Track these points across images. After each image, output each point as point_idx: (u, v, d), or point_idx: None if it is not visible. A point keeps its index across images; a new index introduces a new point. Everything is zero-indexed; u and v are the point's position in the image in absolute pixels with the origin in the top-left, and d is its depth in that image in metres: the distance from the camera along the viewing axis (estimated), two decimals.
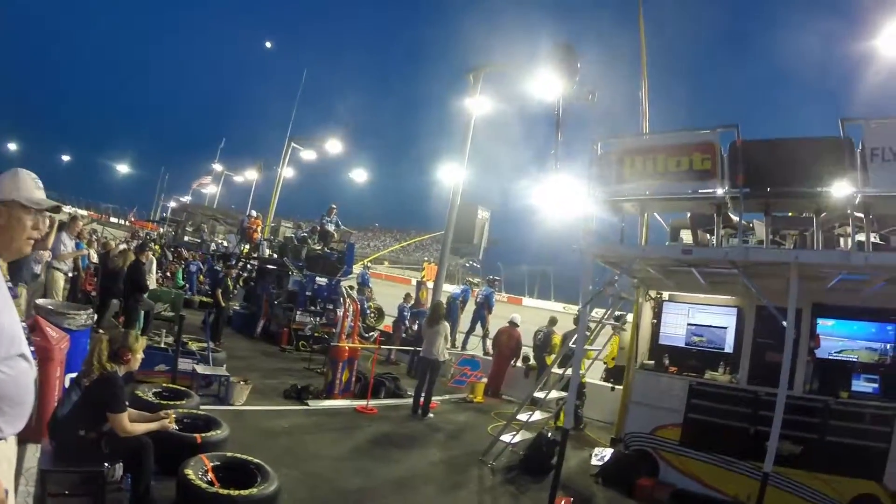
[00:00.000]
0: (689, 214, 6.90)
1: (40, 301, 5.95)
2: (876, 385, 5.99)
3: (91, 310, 6.10)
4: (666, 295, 7.68)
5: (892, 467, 5.58)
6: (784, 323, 4.90)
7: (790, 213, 5.98)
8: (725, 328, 7.04)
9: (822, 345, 6.13)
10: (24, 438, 4.30)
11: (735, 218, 5.80)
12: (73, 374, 4.21)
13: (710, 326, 7.17)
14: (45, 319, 4.98)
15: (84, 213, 59.61)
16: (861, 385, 6.03)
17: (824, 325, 6.27)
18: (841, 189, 4.84)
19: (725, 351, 6.98)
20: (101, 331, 9.90)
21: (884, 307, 6.02)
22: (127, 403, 3.99)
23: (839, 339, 6.22)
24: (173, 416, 4.58)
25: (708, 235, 6.94)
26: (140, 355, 4.16)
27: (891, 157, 4.61)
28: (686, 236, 7.62)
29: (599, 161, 6.41)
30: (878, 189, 4.80)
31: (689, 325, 7.37)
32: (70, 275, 9.47)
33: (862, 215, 4.89)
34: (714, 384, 6.60)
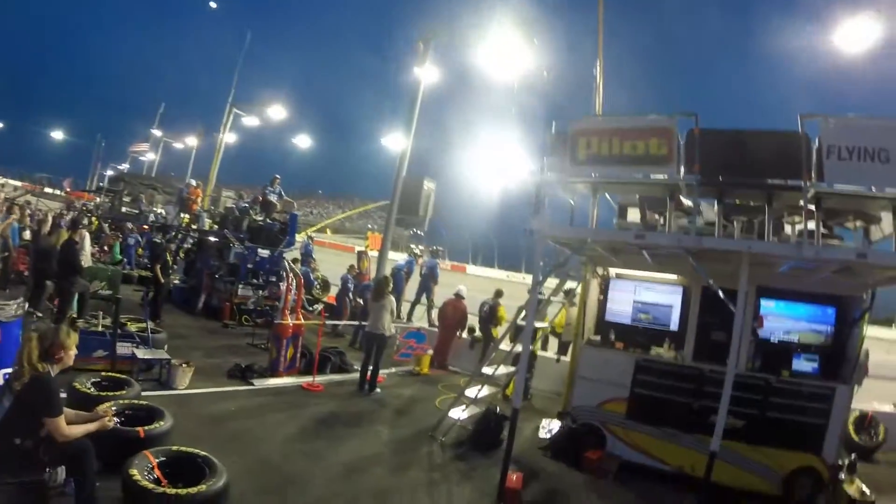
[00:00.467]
0: (638, 195, 7.00)
1: None
2: (815, 365, 6.34)
3: (21, 298, 5.67)
4: (613, 272, 7.82)
5: (829, 442, 5.98)
6: (731, 306, 5.05)
7: (737, 202, 6.12)
8: (671, 306, 7.25)
9: (765, 325, 6.43)
10: None
11: (686, 202, 5.91)
12: (6, 370, 3.88)
13: (657, 304, 7.37)
14: None
15: (17, 183, 55.59)
16: (801, 364, 6.36)
17: (767, 306, 6.56)
18: (794, 183, 4.97)
19: (671, 329, 7.19)
20: (38, 314, 9.32)
21: (825, 292, 6.35)
22: (62, 406, 3.70)
23: (784, 319, 6.54)
24: (112, 413, 4.36)
25: (656, 216, 7.08)
26: (73, 351, 3.87)
27: (846, 156, 4.75)
28: (632, 214, 7.76)
29: (553, 140, 6.36)
30: (831, 185, 4.96)
31: (635, 302, 7.55)
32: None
33: (813, 208, 5.05)
34: (660, 360, 6.81)
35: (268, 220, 14.91)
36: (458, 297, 11.99)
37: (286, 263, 10.45)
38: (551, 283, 7.54)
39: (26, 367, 3.58)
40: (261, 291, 13.48)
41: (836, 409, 6.00)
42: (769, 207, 5.49)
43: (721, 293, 5.26)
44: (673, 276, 7.27)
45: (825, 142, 4.98)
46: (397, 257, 15.88)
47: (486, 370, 7.76)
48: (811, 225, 5.14)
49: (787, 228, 6.43)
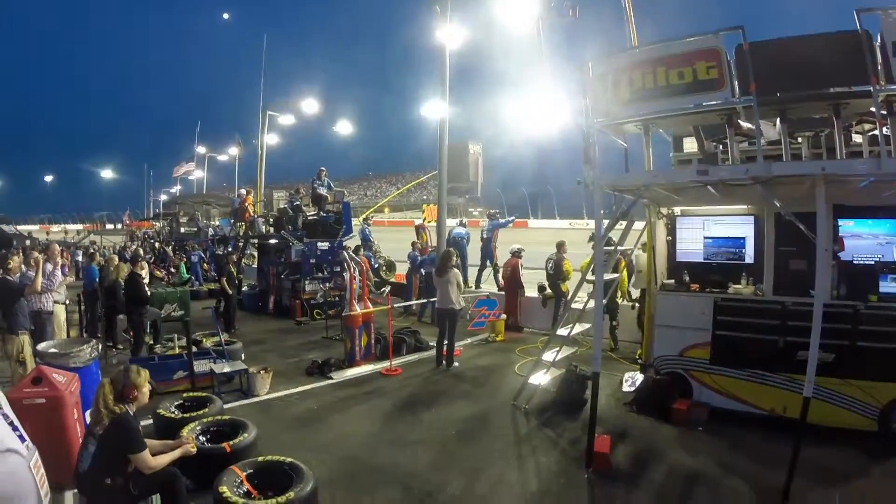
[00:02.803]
0: (692, 126, 6.49)
1: (41, 346, 5.80)
2: None
3: (94, 341, 5.94)
4: (678, 210, 7.37)
5: None
6: (810, 234, 4.60)
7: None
8: (744, 238, 6.76)
9: (846, 247, 5.88)
10: (57, 486, 4.26)
11: (745, 125, 5.41)
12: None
13: (729, 238, 6.90)
14: (48, 366, 4.85)
15: (79, 227, 59.41)
16: (889, 286, 5.78)
17: (845, 226, 5.98)
18: (862, 88, 4.42)
19: (746, 262, 6.73)
20: (118, 347, 9.87)
21: None
22: (144, 440, 3.83)
23: (866, 238, 5.95)
24: (193, 439, 4.54)
25: (714, 144, 6.57)
26: (147, 388, 3.99)
27: None
28: (689, 144, 7.24)
29: (594, 83, 5.94)
30: None
31: (705, 238, 7.10)
32: (66, 303, 9.31)
33: (885, 113, 4.48)
34: (739, 298, 6.39)
35: (321, 213, 15.10)
36: (514, 255, 11.80)
37: (345, 254, 10.50)
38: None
39: (104, 412, 3.72)
40: (327, 284, 13.73)
41: None
42: (837, 119, 4.92)
43: (796, 221, 4.80)
44: (742, 206, 6.76)
45: (889, 38, 4.38)
46: (454, 224, 15.67)
47: (562, 331, 7.56)
48: (885, 131, 4.57)
49: (856, 137, 5.80)
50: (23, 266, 8.37)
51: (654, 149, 6.52)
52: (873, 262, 5.93)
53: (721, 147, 6.42)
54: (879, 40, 4.47)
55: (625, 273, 8.95)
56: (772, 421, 6.02)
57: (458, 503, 4.79)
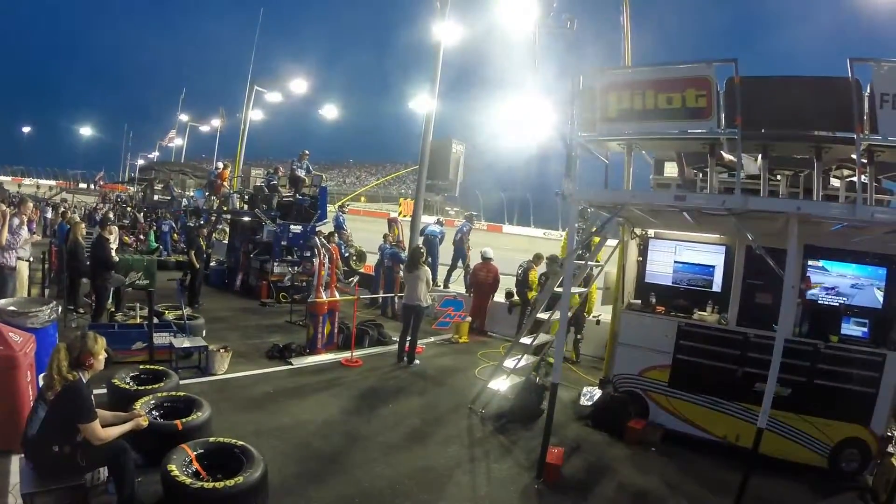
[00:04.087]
0: (675, 151, 6.59)
1: (0, 302, 5.57)
2: (865, 329, 5.95)
3: (54, 303, 5.74)
4: (651, 232, 7.48)
5: (879, 412, 5.65)
6: (779, 270, 4.70)
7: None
8: (713, 266, 6.90)
9: (812, 287, 6.04)
10: (3, 451, 4.12)
11: (727, 157, 5.50)
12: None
13: (698, 265, 7.03)
14: (5, 324, 4.68)
15: (52, 183, 57.71)
16: (851, 329, 5.98)
17: (814, 266, 6.15)
18: (846, 135, 4.53)
19: (713, 290, 6.87)
20: (79, 310, 9.57)
21: (876, 252, 5.92)
22: (95, 410, 3.72)
23: (832, 281, 6.13)
24: (145, 414, 4.41)
25: (694, 171, 6.67)
26: (103, 356, 3.88)
27: None
28: (669, 168, 7.34)
29: (582, 96, 5.97)
30: (885, 138, 4.49)
31: (675, 262, 7.22)
32: (30, 260, 9.00)
33: (865, 161, 4.61)
34: (703, 325, 6.51)
35: (297, 196, 14.91)
36: (486, 259, 11.80)
37: (317, 239, 10.38)
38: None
39: (57, 378, 3.61)
40: (296, 268, 13.55)
41: (886, 378, 5.61)
42: (818, 162, 5.04)
43: (767, 255, 4.89)
44: (715, 236, 6.89)
45: (878, 89, 4.48)
46: (430, 221, 15.62)
47: (525, 340, 7.60)
48: (863, 179, 4.70)
49: (834, 181, 5.97)
50: None
51: (634, 169, 6.60)
52: (837, 304, 6.11)
53: (701, 175, 6.52)
54: (869, 90, 4.58)
55: (594, 287, 9.04)
56: (724, 448, 6.14)
57: (406, 500, 4.77)
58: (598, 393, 7.49)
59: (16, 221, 8.07)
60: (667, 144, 6.17)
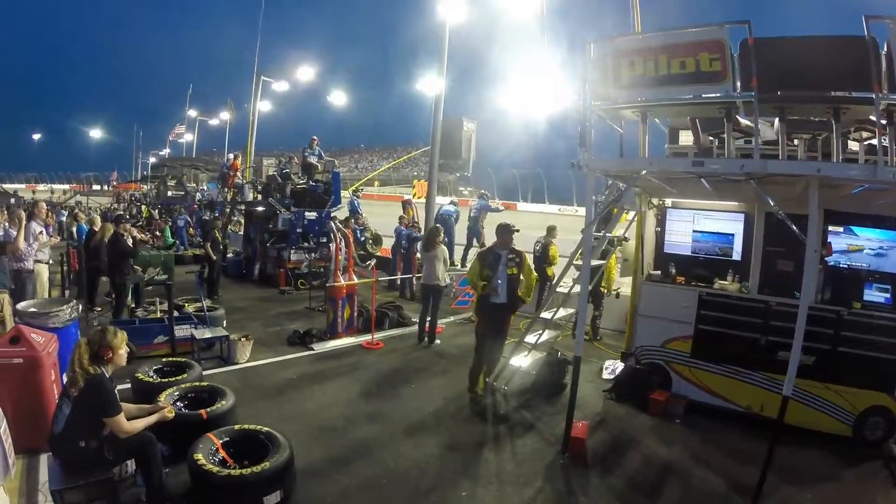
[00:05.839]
0: (689, 117, 6.43)
1: (21, 305, 5.68)
2: (888, 295, 5.76)
3: (74, 302, 5.83)
4: (669, 202, 7.35)
5: None
6: (801, 235, 4.57)
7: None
8: (733, 234, 6.76)
9: (834, 252, 5.88)
10: (31, 449, 4.22)
11: (744, 121, 5.36)
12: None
13: (717, 233, 6.89)
14: (27, 325, 4.76)
15: (65, 187, 58.44)
16: (873, 295, 5.81)
17: (835, 231, 5.97)
18: (864, 95, 4.36)
19: (733, 259, 6.73)
20: (98, 308, 9.72)
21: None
22: (120, 403, 3.77)
23: (854, 245, 5.96)
24: (170, 404, 4.47)
25: (710, 138, 6.52)
26: (123, 350, 3.91)
27: None
28: (684, 138, 7.18)
29: (594, 65, 5.82)
30: None
31: (694, 231, 7.09)
32: (50, 262, 9.15)
33: (885, 122, 4.44)
34: (724, 294, 6.40)
35: (311, 183, 14.92)
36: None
37: (332, 224, 10.40)
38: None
39: (79, 372, 3.65)
40: (313, 254, 13.62)
41: None
42: (836, 124, 4.87)
43: (788, 221, 4.77)
44: (733, 203, 6.75)
45: (895, 48, 4.31)
46: (445, 202, 15.55)
47: (545, 314, 7.57)
48: (883, 140, 4.54)
49: (852, 145, 5.78)
50: (6, 223, 8.19)
51: (649, 140, 6.46)
52: (859, 270, 5.95)
53: (717, 142, 6.37)
54: (886, 49, 4.39)
55: (613, 262, 8.94)
56: (747, 418, 6.08)
57: (433, 480, 4.80)
58: (620, 366, 7.47)
59: (34, 226, 8.17)
60: (682, 110, 6.02)
